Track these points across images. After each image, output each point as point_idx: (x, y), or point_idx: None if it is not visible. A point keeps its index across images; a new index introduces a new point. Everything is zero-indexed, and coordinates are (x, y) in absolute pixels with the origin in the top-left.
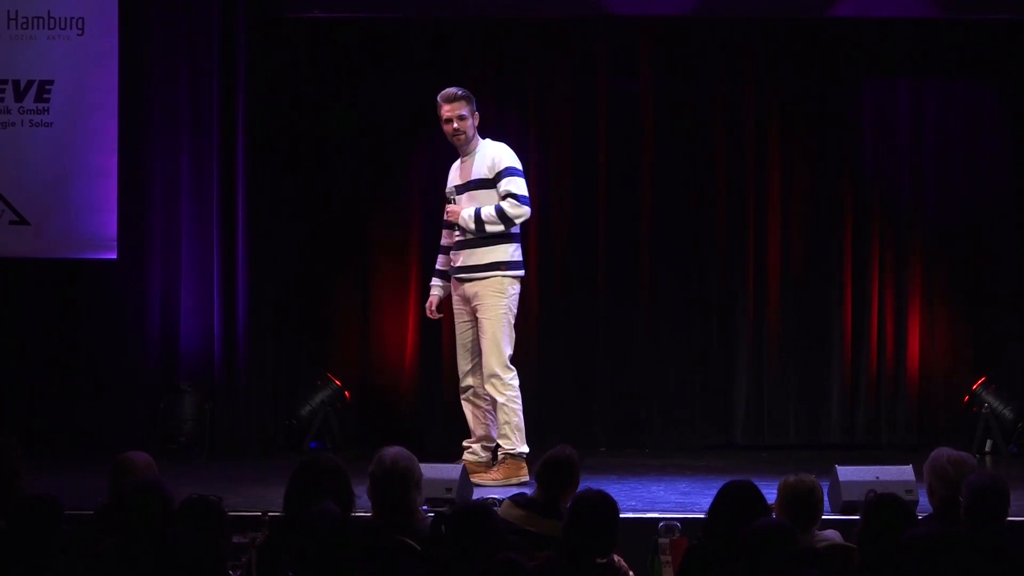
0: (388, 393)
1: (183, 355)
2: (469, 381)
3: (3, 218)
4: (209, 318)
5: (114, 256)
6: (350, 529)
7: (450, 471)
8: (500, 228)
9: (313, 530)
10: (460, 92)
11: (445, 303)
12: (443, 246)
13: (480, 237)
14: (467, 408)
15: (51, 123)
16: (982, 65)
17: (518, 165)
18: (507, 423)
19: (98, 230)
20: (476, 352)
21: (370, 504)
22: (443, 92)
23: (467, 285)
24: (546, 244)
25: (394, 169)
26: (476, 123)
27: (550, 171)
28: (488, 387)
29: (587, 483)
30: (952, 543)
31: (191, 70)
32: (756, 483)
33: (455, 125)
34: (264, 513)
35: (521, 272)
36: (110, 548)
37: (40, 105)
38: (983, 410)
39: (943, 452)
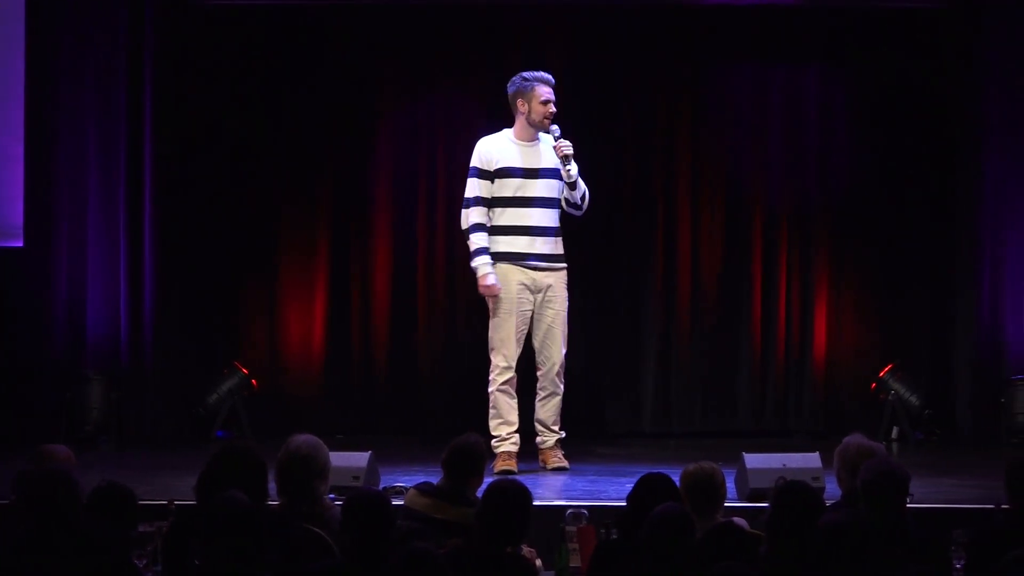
0: (296, 382)
1: (90, 344)
2: (512, 373)
3: None
4: (116, 307)
5: (20, 244)
6: (256, 518)
7: (358, 459)
8: (577, 199)
9: (219, 519)
10: (553, 79)
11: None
12: (481, 224)
13: (554, 227)
14: (503, 400)
15: None
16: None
17: None
18: (560, 410)
19: (4, 218)
20: (521, 345)
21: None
22: (538, 75)
23: (542, 274)
24: (452, 230)
25: (305, 158)
26: None
27: (456, 161)
28: (556, 378)
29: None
30: (855, 529)
31: (98, 56)
32: (663, 471)
33: (552, 108)
34: (170, 502)
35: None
36: (16, 538)
37: None
38: (890, 397)
39: (853, 440)
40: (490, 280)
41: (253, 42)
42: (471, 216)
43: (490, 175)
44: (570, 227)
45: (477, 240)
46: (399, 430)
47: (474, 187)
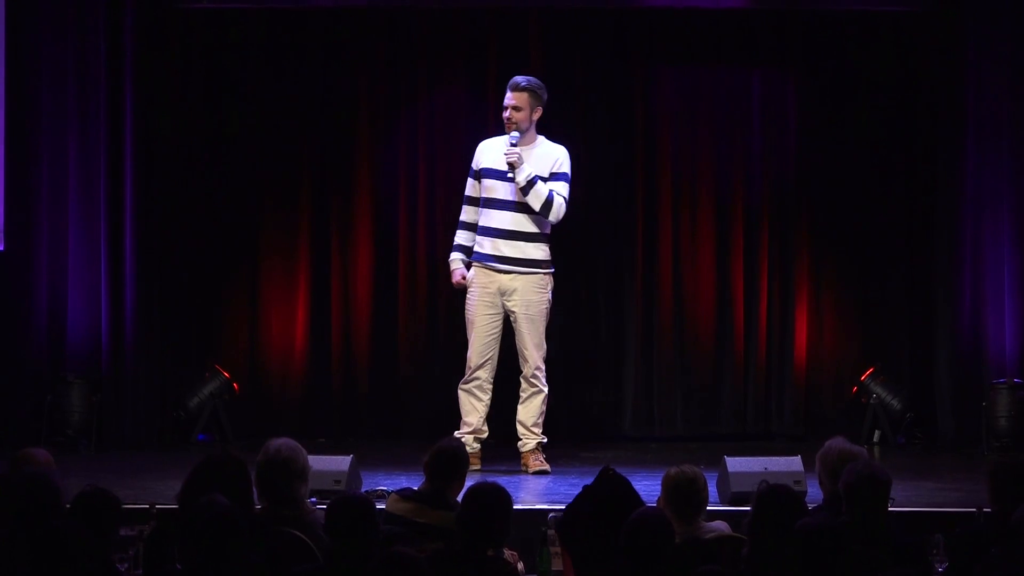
0: (277, 385)
1: (70, 347)
2: (479, 374)
3: None
4: (97, 309)
5: (0, 247)
6: (237, 521)
7: (339, 463)
8: (537, 208)
9: (200, 522)
10: (524, 83)
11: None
12: (465, 222)
13: (525, 233)
14: (466, 399)
15: None
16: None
17: (571, 174)
18: (542, 414)
19: None
20: (495, 347)
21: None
22: (513, 79)
23: (505, 278)
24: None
25: (286, 161)
26: (536, 118)
27: (439, 162)
28: (533, 379)
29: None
30: (837, 533)
31: (78, 59)
32: (645, 474)
33: (508, 115)
34: (152, 506)
35: (554, 270)
36: None
37: None
38: (871, 400)
39: (835, 444)
40: (455, 277)
41: (233, 45)
42: (461, 214)
43: (477, 174)
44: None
45: (456, 237)
46: (381, 433)
47: (467, 186)
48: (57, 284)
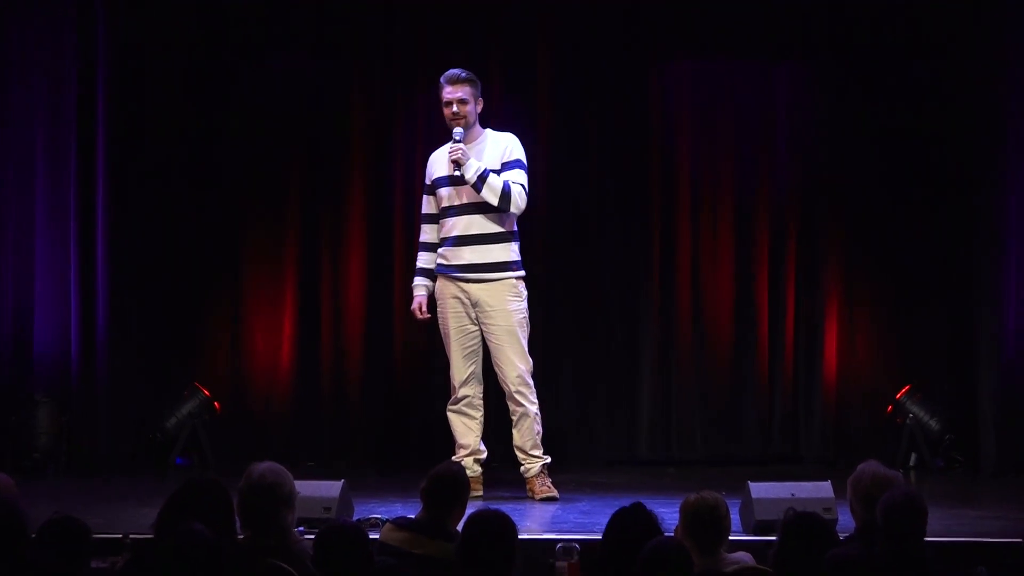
0: (261, 404)
1: (37, 363)
2: (465, 391)
3: None
4: (66, 323)
5: None
6: (218, 552)
7: (330, 488)
8: (495, 202)
9: (178, 553)
10: (464, 74)
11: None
12: (425, 242)
13: (486, 234)
14: (456, 420)
15: None
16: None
17: (525, 160)
18: (538, 433)
19: None
20: (475, 360)
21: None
22: (445, 74)
23: (473, 287)
24: None
25: (271, 160)
26: (479, 110)
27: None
28: (518, 397)
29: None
30: (871, 564)
31: (48, 50)
32: (662, 501)
33: (455, 109)
34: (125, 535)
35: (524, 272)
36: None
37: None
38: (907, 421)
39: (868, 468)
40: (413, 304)
41: (213, 37)
42: (420, 235)
43: (431, 189)
44: (555, 236)
45: (418, 260)
46: (375, 457)
47: (423, 203)
48: (23, 295)
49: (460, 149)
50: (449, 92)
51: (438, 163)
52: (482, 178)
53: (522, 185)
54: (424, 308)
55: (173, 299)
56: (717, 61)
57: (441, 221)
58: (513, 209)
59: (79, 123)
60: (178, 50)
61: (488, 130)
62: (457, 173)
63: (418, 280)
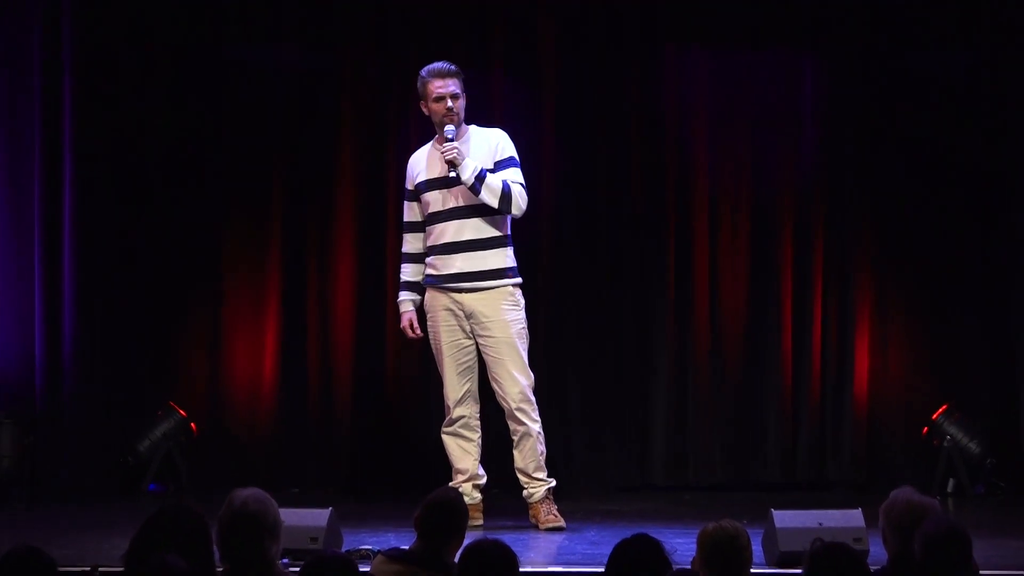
0: (243, 426)
1: None
2: (460, 411)
3: None
4: (29, 336)
5: None
6: None
7: (317, 517)
8: (494, 204)
9: None
10: (452, 67)
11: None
12: (409, 253)
13: (480, 239)
14: (452, 443)
15: None
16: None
17: (518, 156)
18: (542, 454)
19: None
20: (471, 377)
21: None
22: (431, 68)
23: (466, 296)
24: None
25: (253, 161)
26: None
27: None
28: (519, 415)
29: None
30: None
31: (10, 48)
32: (678, 531)
33: (449, 104)
34: (94, 568)
35: (521, 280)
36: None
37: None
38: (945, 443)
39: (901, 495)
40: (403, 321)
41: (190, 28)
42: (402, 245)
43: (415, 194)
44: (560, 240)
45: (402, 273)
46: (365, 483)
47: (405, 211)
48: None
49: (455, 148)
50: (440, 86)
51: (420, 165)
52: (480, 179)
53: (522, 184)
54: (416, 326)
55: (146, 311)
56: (736, 49)
57: (428, 228)
58: (514, 211)
59: (43, 121)
60: (152, 41)
61: (472, 126)
62: (452, 174)
63: (404, 295)
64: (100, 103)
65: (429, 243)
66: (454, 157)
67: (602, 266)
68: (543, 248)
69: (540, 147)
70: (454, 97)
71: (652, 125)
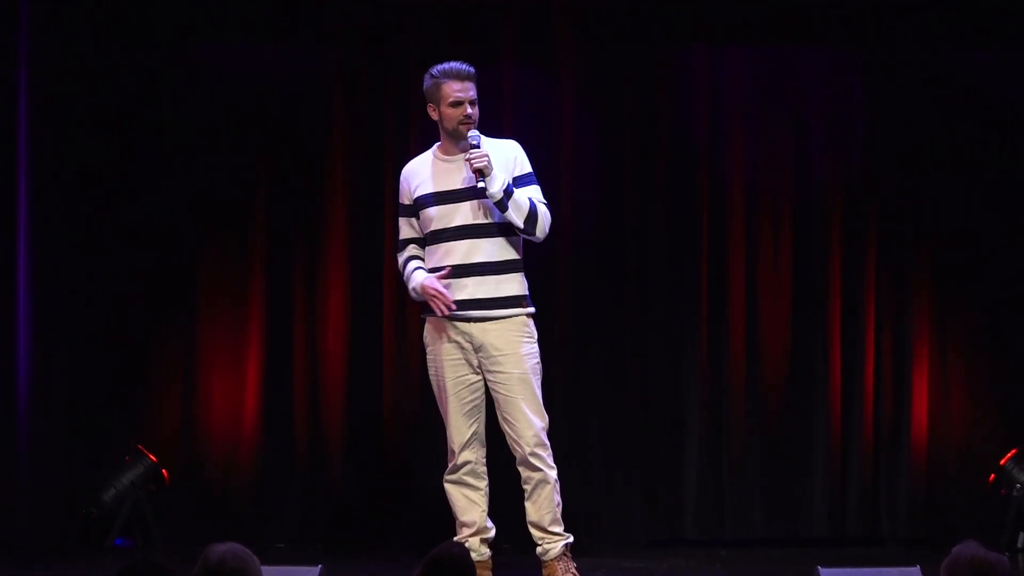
0: (220, 471)
1: None
2: (466, 456)
3: None
4: None
5: None
6: None
7: (303, 575)
8: (520, 224)
9: None
10: (472, 70)
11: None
12: (412, 255)
13: (495, 262)
14: (456, 492)
15: None
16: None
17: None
18: (558, 505)
19: None
20: (477, 418)
21: None
22: (447, 68)
23: (476, 327)
24: None
25: (233, 174)
26: None
27: None
28: (533, 460)
29: None
30: None
31: None
32: None
33: (469, 111)
34: None
35: (534, 309)
36: None
37: None
38: (1015, 492)
39: (965, 551)
40: (429, 285)
41: (162, 26)
42: (400, 259)
43: (412, 209)
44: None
45: (407, 269)
46: (359, 537)
47: (400, 228)
48: None
49: (485, 156)
50: (458, 90)
51: (421, 176)
52: (508, 193)
53: (546, 204)
54: (442, 288)
55: (112, 344)
56: (778, 44)
57: (429, 248)
58: (539, 233)
59: None
60: (118, 40)
61: (482, 136)
62: (481, 185)
63: (414, 264)
64: (61, 114)
65: (431, 266)
66: (484, 166)
67: (626, 292)
68: (561, 273)
69: (557, 154)
70: (472, 103)
71: (681, 132)
